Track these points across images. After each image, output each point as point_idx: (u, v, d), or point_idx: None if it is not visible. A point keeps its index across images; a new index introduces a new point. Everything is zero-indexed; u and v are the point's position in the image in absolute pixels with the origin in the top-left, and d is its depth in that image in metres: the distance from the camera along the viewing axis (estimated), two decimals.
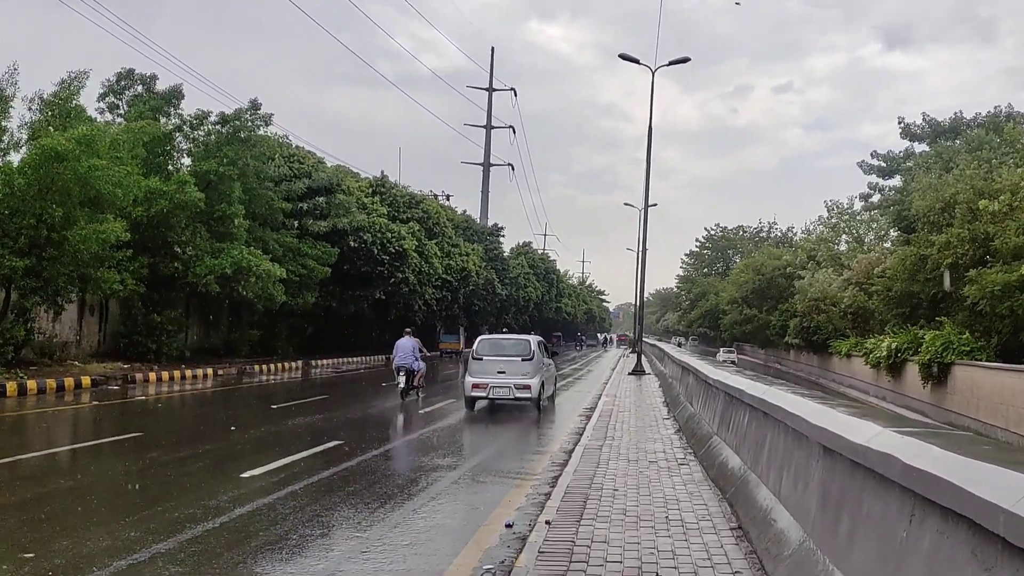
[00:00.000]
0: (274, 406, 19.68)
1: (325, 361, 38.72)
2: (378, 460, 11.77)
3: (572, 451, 12.02)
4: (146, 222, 27.54)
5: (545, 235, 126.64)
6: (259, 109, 31.97)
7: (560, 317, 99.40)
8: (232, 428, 14.99)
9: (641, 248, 35.43)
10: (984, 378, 29.38)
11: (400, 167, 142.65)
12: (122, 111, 31.19)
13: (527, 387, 17.97)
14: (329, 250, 36.89)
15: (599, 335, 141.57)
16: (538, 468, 11.25)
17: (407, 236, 38.91)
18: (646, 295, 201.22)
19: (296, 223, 36.46)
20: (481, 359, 18.74)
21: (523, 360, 18.45)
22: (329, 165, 41.79)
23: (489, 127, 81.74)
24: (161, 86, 31.54)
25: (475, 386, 18.44)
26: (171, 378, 26.22)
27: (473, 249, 52.45)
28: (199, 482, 9.88)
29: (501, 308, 65.52)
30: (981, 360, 30.71)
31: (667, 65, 32.22)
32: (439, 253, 45.28)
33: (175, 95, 30.84)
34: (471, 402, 19.02)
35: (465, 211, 64.26)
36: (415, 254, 39.47)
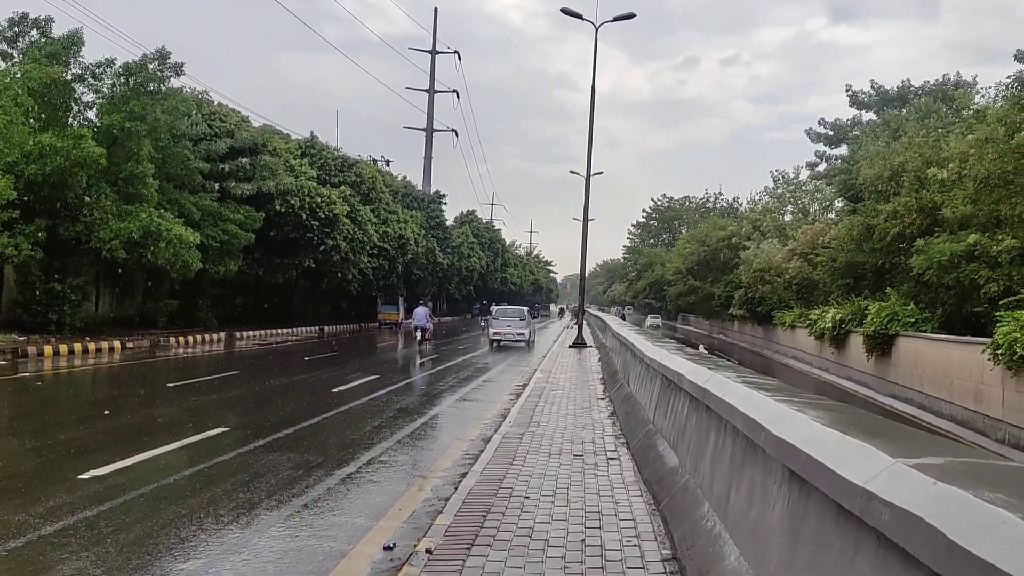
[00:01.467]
0: (171, 384, 17.67)
1: (252, 333, 36.49)
2: (259, 454, 9.98)
3: (490, 439, 10.44)
4: (42, 181, 24.93)
5: (492, 204, 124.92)
6: (168, 58, 29.30)
7: (506, 287, 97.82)
8: (106, 412, 13.01)
9: (584, 216, 33.92)
10: (929, 350, 28.72)
11: (338, 131, 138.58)
12: (16, 60, 28.23)
13: (523, 335, 34.33)
14: (253, 215, 34.49)
15: (551, 306, 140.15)
16: (447, 462, 9.61)
17: (338, 201, 36.67)
18: (594, 266, 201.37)
19: (217, 186, 33.93)
20: (498, 319, 35.46)
21: (520, 320, 35.23)
22: (256, 125, 39.16)
23: (432, 91, 79.17)
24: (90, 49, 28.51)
25: (495, 333, 34.55)
26: (71, 352, 23.86)
27: (412, 216, 50.33)
28: (20, 486, 7.99)
29: (443, 278, 63.59)
30: (926, 332, 30.08)
31: (611, 21, 30.53)
32: (375, 220, 43.12)
33: (74, 41, 27.93)
34: (492, 343, 34.32)
35: (405, 177, 61.97)
36: (347, 220, 37.30)
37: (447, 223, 68.92)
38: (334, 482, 8.56)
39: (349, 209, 38.26)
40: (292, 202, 35.53)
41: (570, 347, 31.59)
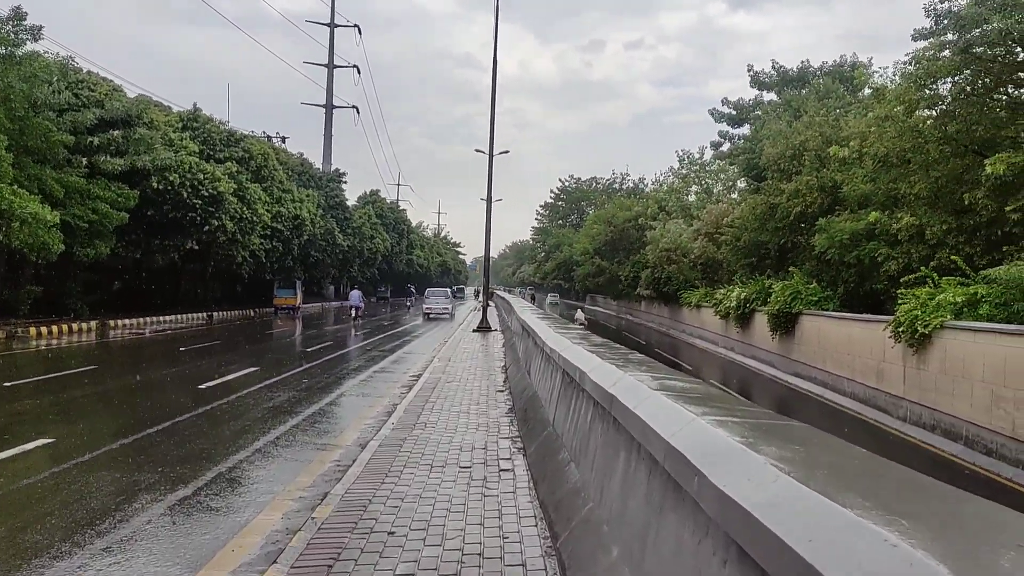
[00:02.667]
0: (8, 384, 15.34)
1: (129, 321, 33.60)
2: (78, 473, 8.17)
3: (367, 444, 8.93)
4: None
5: (398, 185, 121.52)
6: (24, 19, 26.18)
7: (412, 269, 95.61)
8: None
9: (488, 195, 32.51)
10: (831, 328, 28.71)
11: (229, 105, 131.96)
12: None
13: (447, 309, 47.93)
14: (127, 192, 31.54)
15: (466, 288, 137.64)
16: (310, 477, 8.04)
17: (223, 177, 33.97)
18: (503, 247, 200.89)
19: (85, 160, 30.81)
20: (429, 298, 48.56)
21: (445, 299, 49.35)
22: (131, 96, 35.93)
23: (331, 65, 76.01)
24: None
25: (428, 308, 46.99)
26: None
27: (309, 196, 47.71)
28: None
29: (344, 260, 61.04)
30: (828, 310, 30.11)
31: None
32: (267, 198, 40.49)
33: None
34: (426, 316, 46.01)
35: (302, 155, 58.94)
36: (233, 198, 34.66)
37: (348, 203, 66.28)
38: (159, 511, 6.88)
39: (236, 187, 35.60)
40: (171, 179, 32.69)
41: (474, 331, 30.20)
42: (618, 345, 8.09)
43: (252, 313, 45.73)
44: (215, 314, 40.47)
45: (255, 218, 37.12)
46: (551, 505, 5.78)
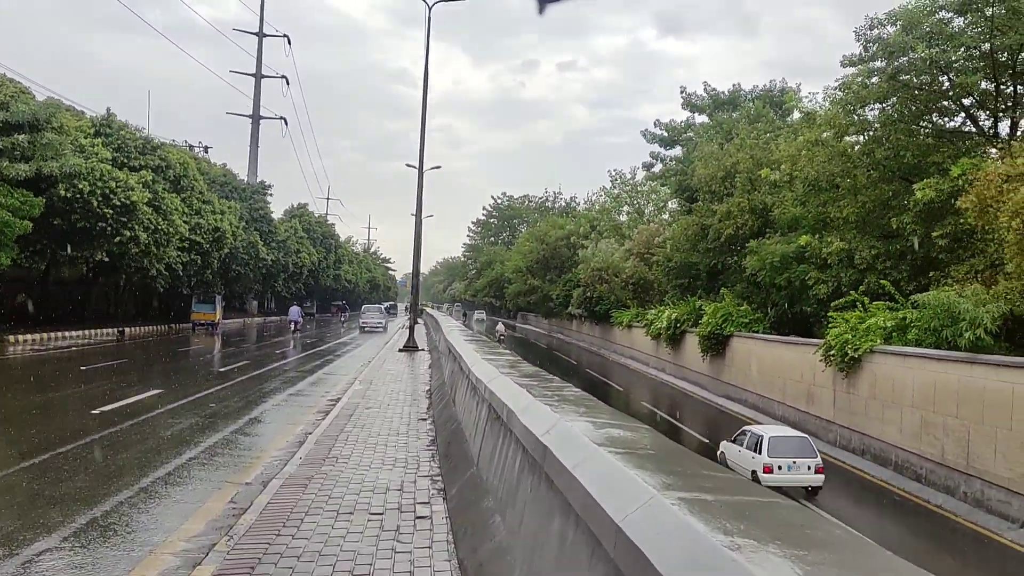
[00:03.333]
0: None
1: (31, 337, 31.35)
2: None
3: (269, 483, 7.92)
4: None
5: (327, 199, 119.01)
6: None
7: (339, 285, 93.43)
8: None
9: (418, 209, 31.57)
10: (762, 351, 28.67)
11: (149, 112, 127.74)
12: None
13: (381, 323, 54.51)
14: (32, 200, 29.44)
15: (399, 305, 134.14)
16: (197, 524, 6.99)
17: (137, 186, 32.13)
18: (434, 264, 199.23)
19: None
20: (365, 313, 56.24)
21: (379, 314, 57.33)
22: (40, 99, 33.79)
23: (259, 75, 73.93)
24: None
25: (364, 322, 53.72)
26: None
27: (231, 207, 45.81)
28: None
29: (268, 274, 58.95)
30: (758, 332, 30.12)
31: (444, 1, 28.37)
32: (185, 209, 38.60)
33: None
34: (362, 329, 51.84)
35: (225, 165, 56.83)
36: (147, 208, 32.80)
37: (274, 216, 64.26)
38: (5, 572, 5.76)
39: (151, 196, 33.74)
40: (80, 186, 30.70)
41: (400, 351, 29.10)
42: (551, 377, 7.31)
43: (168, 329, 43.56)
44: (127, 330, 38.29)
45: (171, 229, 35.25)
46: (472, 568, 4.93)
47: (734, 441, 17.87)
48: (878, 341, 20.28)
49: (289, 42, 76.76)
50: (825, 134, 24.21)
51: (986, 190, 17.95)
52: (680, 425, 26.20)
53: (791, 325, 30.26)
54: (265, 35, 74.95)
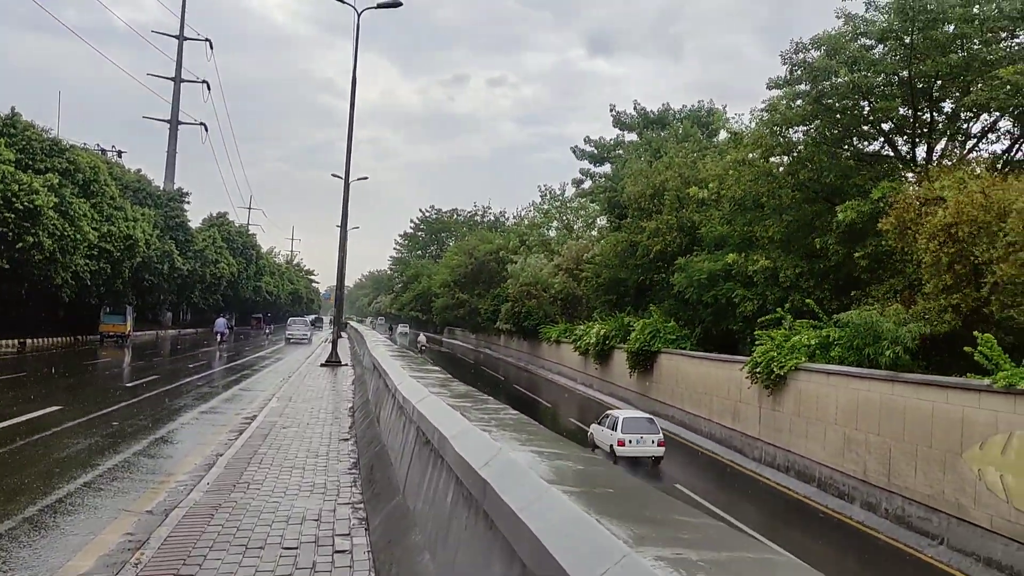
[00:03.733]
0: None
1: None
2: None
3: (170, 513, 7.17)
4: None
5: (249, 208, 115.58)
6: None
7: (260, 297, 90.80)
8: None
9: (344, 220, 30.70)
10: (689, 367, 28.80)
11: (59, 114, 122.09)
12: None
13: (306, 335, 57.87)
14: None
15: (324, 318, 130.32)
16: (87, 562, 6.22)
17: (42, 190, 30.27)
18: (360, 277, 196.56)
19: None
20: (291, 326, 60.77)
21: (305, 326, 60.93)
22: None
23: (178, 79, 71.56)
24: None
25: (290, 334, 56.96)
26: None
27: (144, 214, 43.81)
28: None
29: (183, 285, 56.68)
30: (686, 348, 30.28)
31: (375, 8, 27.76)
32: (95, 215, 36.66)
33: None
34: (288, 339, 56.01)
35: (140, 171, 54.46)
36: (53, 213, 30.94)
37: (192, 225, 61.96)
38: None
39: (57, 201, 31.88)
40: None
41: (322, 366, 28.11)
42: (485, 397, 6.82)
43: (74, 341, 41.31)
44: (28, 341, 36.09)
45: (79, 236, 33.36)
46: None
47: (599, 423, 21.82)
48: (803, 359, 20.50)
49: (211, 46, 74.62)
50: (752, 154, 24.53)
51: (905, 213, 18.38)
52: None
53: (717, 342, 30.54)
54: (186, 38, 72.67)
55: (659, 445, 20.48)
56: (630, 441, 20.13)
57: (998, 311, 15.95)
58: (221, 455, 10.28)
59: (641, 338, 31.46)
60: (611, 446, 20.06)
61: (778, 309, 23.02)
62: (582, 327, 40.69)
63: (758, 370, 21.97)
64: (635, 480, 3.12)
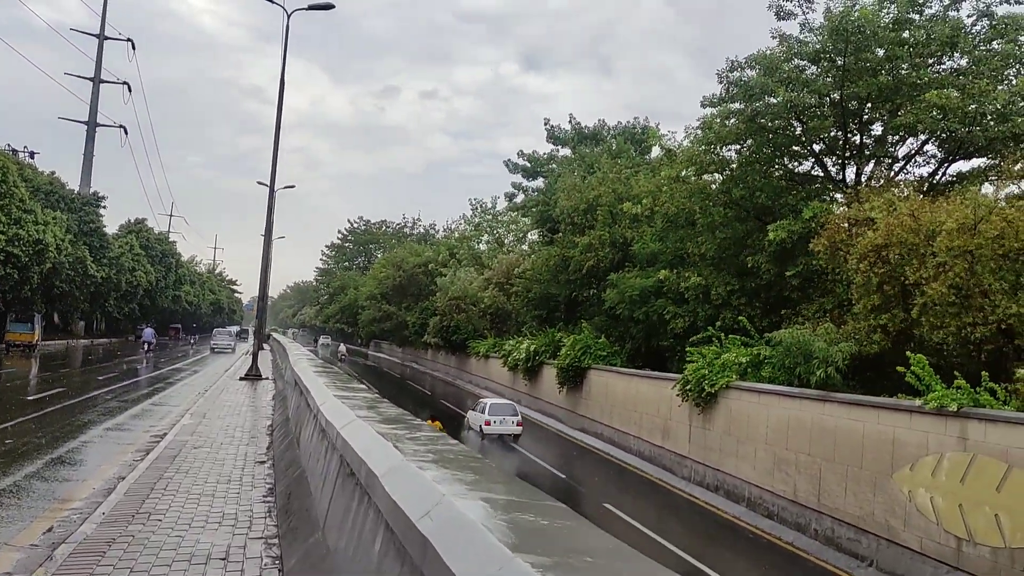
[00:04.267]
0: None
1: None
2: None
3: (58, 547, 6.31)
4: None
5: (170, 215, 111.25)
6: None
7: (179, 307, 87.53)
8: None
9: (267, 229, 29.55)
10: (620, 384, 28.59)
11: None
12: None
13: (230, 345, 61.01)
14: None
15: (248, 329, 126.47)
16: None
17: None
18: (284, 288, 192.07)
19: None
20: (216, 336, 66.35)
21: (229, 336, 68.06)
22: None
23: (97, 80, 68.68)
24: None
25: (215, 344, 60.14)
26: None
27: (56, 218, 41.52)
28: None
29: (97, 293, 54.02)
30: (616, 365, 30.10)
31: (305, 9, 26.90)
32: (2, 218, 34.49)
33: None
34: (212, 349, 58.15)
35: (54, 173, 51.76)
36: None
37: (108, 231, 59.25)
38: None
39: None
40: None
41: (241, 379, 26.85)
42: (420, 422, 6.17)
43: None
44: None
45: None
46: None
47: (473, 409, 27.13)
48: (734, 377, 20.45)
49: (133, 47, 71.79)
50: (685, 172, 24.57)
51: (836, 234, 18.54)
52: (534, 459, 25.56)
53: (648, 359, 30.48)
54: (107, 37, 69.88)
55: (517, 425, 25.79)
56: (494, 421, 25.19)
57: (927, 332, 16.11)
58: (123, 478, 9.36)
59: (571, 354, 31.17)
60: (480, 426, 25.06)
61: (709, 327, 22.99)
62: (512, 342, 40.25)
63: (689, 388, 21.84)
64: (624, 549, 2.57)
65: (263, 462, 10.22)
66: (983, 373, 13.71)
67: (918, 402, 13.89)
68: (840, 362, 17.03)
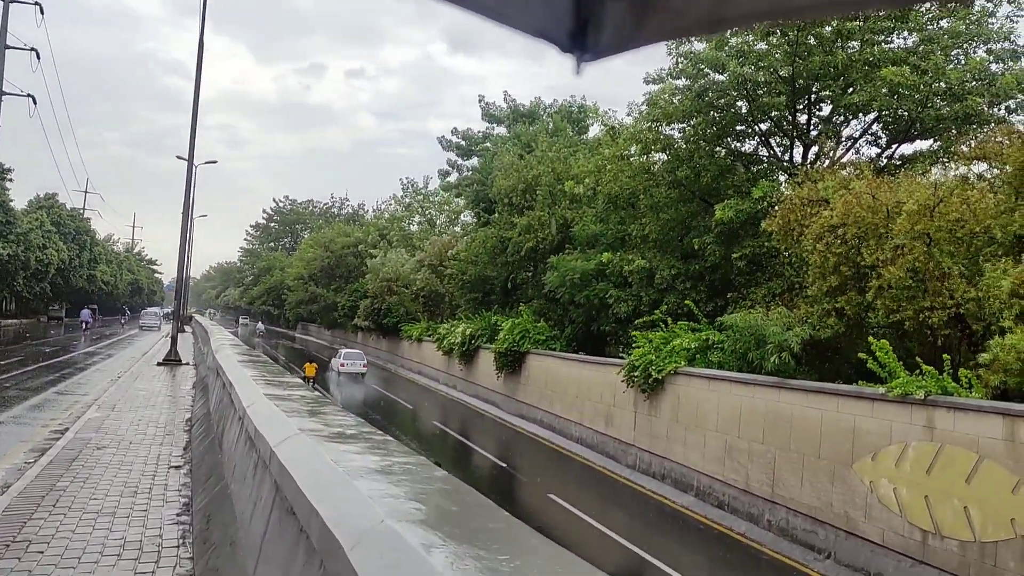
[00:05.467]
0: None
1: None
2: None
3: None
4: None
5: (86, 192, 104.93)
6: None
7: (95, 287, 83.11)
8: None
9: (186, 204, 27.55)
10: (561, 370, 27.75)
11: None
12: None
13: (158, 324, 66.82)
14: None
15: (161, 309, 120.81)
16: None
17: None
18: (207, 268, 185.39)
19: None
20: (143, 317, 73.92)
21: (156, 317, 72.06)
22: None
23: (2, 44, 63.98)
24: None
25: (143, 324, 69.49)
26: None
27: None
28: None
29: (4, 271, 50.44)
30: (556, 350, 29.25)
31: None
32: None
33: None
34: (141, 328, 65.57)
35: None
36: None
37: (15, 205, 55.38)
38: None
39: None
40: None
41: (159, 364, 24.96)
42: (386, 437, 4.86)
43: None
44: None
45: None
46: None
47: (335, 357, 38.64)
48: (682, 363, 19.79)
49: (42, 11, 67.11)
50: (632, 149, 23.69)
51: (791, 213, 17.93)
52: (472, 446, 24.60)
53: (588, 343, 29.74)
54: (13, 0, 65.08)
55: (364, 367, 37.97)
56: (345, 364, 37.21)
57: (882, 316, 15.61)
58: (7, 489, 7.89)
59: (510, 338, 30.21)
60: (337, 367, 36.78)
61: (656, 311, 22.29)
62: (446, 326, 39.06)
63: (635, 373, 21.12)
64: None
65: (179, 467, 8.79)
66: (944, 357, 13.25)
67: (881, 390, 13.36)
68: (795, 347, 16.44)
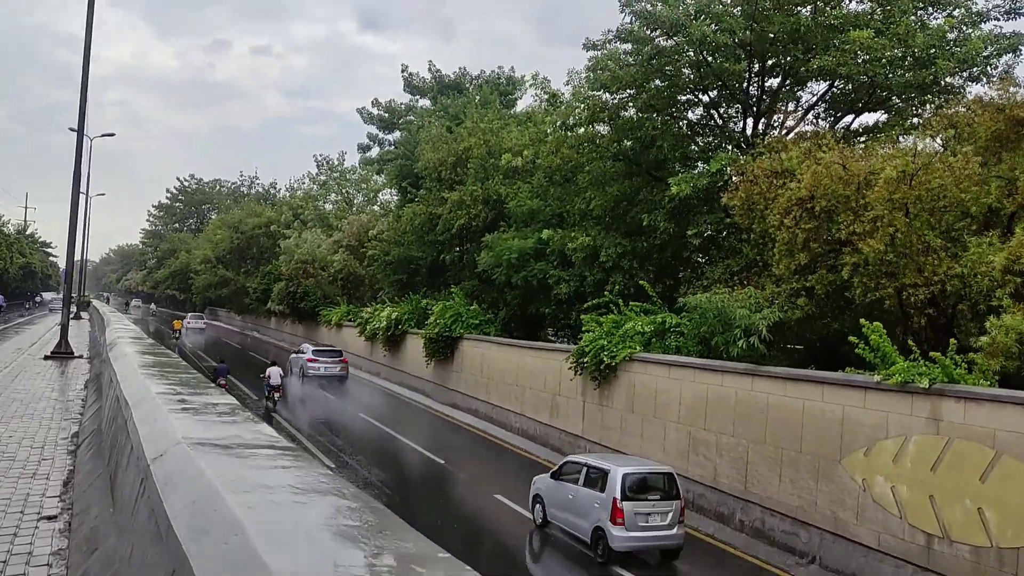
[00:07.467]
0: None
1: None
2: None
3: None
4: None
5: None
6: None
7: None
8: None
9: (75, 179, 24.35)
10: (498, 356, 25.96)
11: None
12: None
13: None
14: None
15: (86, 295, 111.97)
16: None
17: None
18: (107, 251, 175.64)
19: None
20: (52, 301, 79.31)
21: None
22: None
23: None
24: None
25: (52, 307, 69.68)
26: None
27: None
28: None
29: None
30: (490, 334, 27.46)
31: None
32: None
33: None
34: (51, 310, 66.93)
35: None
36: None
37: None
38: None
39: None
40: None
41: (46, 358, 21.92)
42: (344, 484, 2.98)
43: None
44: None
45: None
46: None
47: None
48: (637, 348, 18.31)
49: None
50: (574, 117, 21.91)
51: (754, 186, 16.56)
52: (404, 440, 22.66)
53: (523, 326, 28.07)
54: None
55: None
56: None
57: (859, 295, 14.37)
58: None
59: (441, 323, 28.26)
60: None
61: (605, 292, 20.71)
62: (369, 310, 36.77)
63: (585, 360, 19.56)
64: None
65: (52, 517, 6.45)
66: (952, 341, 12.04)
67: (876, 377, 12.08)
68: (765, 331, 15.08)
